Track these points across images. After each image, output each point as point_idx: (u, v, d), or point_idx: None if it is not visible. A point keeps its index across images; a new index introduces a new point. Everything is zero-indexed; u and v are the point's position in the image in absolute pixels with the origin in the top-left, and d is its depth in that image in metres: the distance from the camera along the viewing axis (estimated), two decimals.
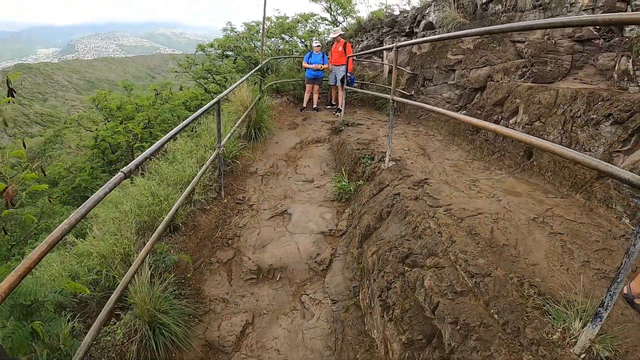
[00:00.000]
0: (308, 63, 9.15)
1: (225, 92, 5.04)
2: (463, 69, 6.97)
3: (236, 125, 6.22)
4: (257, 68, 8.38)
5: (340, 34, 9.22)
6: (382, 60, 11.20)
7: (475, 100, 6.59)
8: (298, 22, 14.51)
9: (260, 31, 12.96)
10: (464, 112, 6.91)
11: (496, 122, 5.63)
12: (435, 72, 7.79)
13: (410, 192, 3.66)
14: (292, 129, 7.97)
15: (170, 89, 13.13)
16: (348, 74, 8.53)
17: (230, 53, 12.95)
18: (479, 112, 6.15)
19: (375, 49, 10.45)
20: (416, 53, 8.89)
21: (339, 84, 8.93)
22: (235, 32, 13.14)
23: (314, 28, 15.36)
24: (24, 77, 78.30)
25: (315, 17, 15.47)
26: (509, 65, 5.80)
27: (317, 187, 5.47)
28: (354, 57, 9.54)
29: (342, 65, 8.68)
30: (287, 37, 13.55)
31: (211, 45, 12.96)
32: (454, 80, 7.38)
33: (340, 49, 8.79)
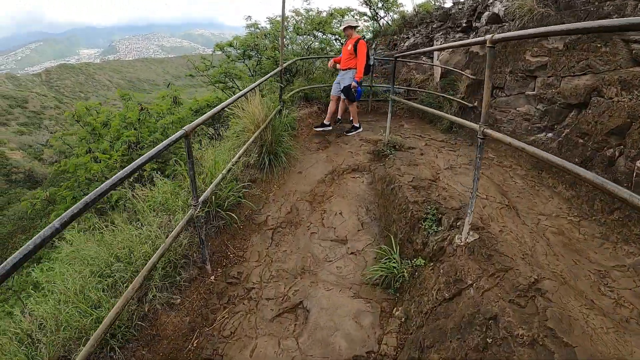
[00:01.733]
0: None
1: (198, 121, 3.18)
2: (550, 76, 5.29)
3: (240, 152, 4.66)
4: (272, 73, 6.28)
5: (352, 26, 6.77)
6: (433, 61, 9.55)
7: (569, 120, 4.92)
8: (332, 17, 13.04)
9: (286, 27, 11.67)
10: (552, 134, 5.25)
11: (611, 160, 3.98)
12: (508, 78, 6.13)
13: (518, 318, 2.20)
14: (323, 149, 6.58)
15: (175, 100, 11.23)
16: (355, 84, 6.52)
17: (253, 53, 11.45)
18: (581, 140, 4.50)
19: (432, 48, 8.82)
20: (478, 53, 7.21)
21: (343, 96, 6.92)
22: (260, 29, 11.73)
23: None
24: (66, 76, 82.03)
25: (352, 12, 13.91)
26: (628, 76, 4.10)
27: (352, 252, 3.90)
28: (400, 58, 8.00)
29: (351, 69, 6.62)
30: (320, 34, 12.08)
31: (230, 44, 11.65)
32: (534, 90, 5.71)
33: (350, 47, 6.52)
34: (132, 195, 3.96)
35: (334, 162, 5.98)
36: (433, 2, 10.20)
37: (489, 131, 2.88)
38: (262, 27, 11.75)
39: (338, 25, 13.31)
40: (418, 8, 10.66)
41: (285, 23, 12.15)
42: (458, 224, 3.36)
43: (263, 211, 4.65)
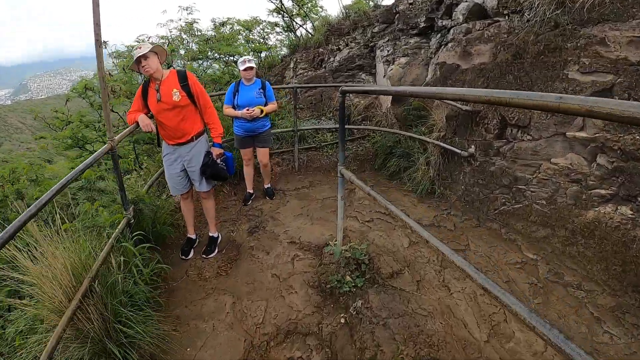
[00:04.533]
0: (234, 106, 4.15)
1: None
2: None
3: None
4: (87, 162, 2.40)
5: (153, 52, 3.00)
6: (377, 79, 6.80)
7: None
8: (235, 32, 9.89)
9: (175, 50, 8.22)
10: (630, 209, 2.62)
11: None
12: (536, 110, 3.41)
13: None
14: (225, 274, 3.35)
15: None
16: (217, 149, 3.32)
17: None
18: None
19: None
20: (459, 66, 4.52)
21: (203, 186, 3.37)
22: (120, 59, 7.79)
23: (261, 40, 10.76)
24: None
25: (262, 24, 10.80)
26: None
27: None
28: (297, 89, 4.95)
29: (196, 135, 3.21)
30: (222, 57, 8.72)
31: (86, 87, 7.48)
32: (583, 129, 3.13)
33: (179, 94, 3.01)
34: None
35: (247, 318, 2.78)
36: (366, 1, 7.56)
37: None
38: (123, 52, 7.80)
39: (245, 43, 10.15)
40: (346, 11, 7.95)
41: (176, 42, 8.67)
42: None
43: None
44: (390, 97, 6.28)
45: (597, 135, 3.21)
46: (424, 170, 4.48)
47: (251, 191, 4.55)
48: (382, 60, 6.42)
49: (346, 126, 5.83)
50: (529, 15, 3.66)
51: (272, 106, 4.21)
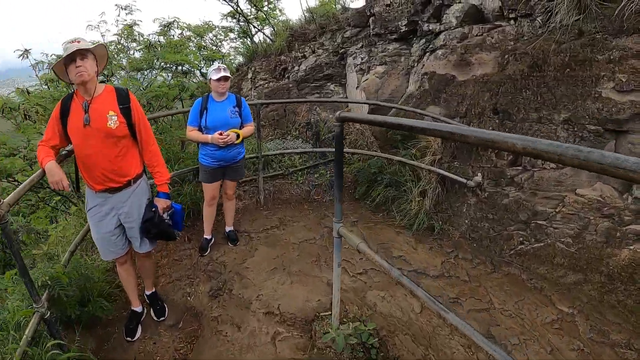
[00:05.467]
0: (201, 128, 3.15)
1: None
2: None
3: None
4: None
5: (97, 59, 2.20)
6: (348, 90, 6.09)
7: None
8: (186, 38, 8.79)
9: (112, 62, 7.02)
10: None
11: None
12: (560, 132, 2.85)
13: None
14: None
15: None
16: (164, 201, 2.42)
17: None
18: None
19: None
20: (455, 77, 3.87)
21: (145, 246, 2.46)
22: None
23: (214, 48, 9.70)
24: None
25: (215, 30, 9.72)
26: None
27: None
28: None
29: (134, 178, 2.29)
30: (166, 65, 7.54)
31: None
32: None
33: (115, 119, 2.12)
34: None
35: None
36: (334, 5, 6.84)
37: None
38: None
39: (195, 51, 9.03)
40: (308, 16, 7.18)
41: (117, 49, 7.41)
42: None
43: None
44: (365, 111, 5.57)
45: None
46: (419, 202, 3.78)
47: (209, 236, 3.60)
48: (354, 69, 5.70)
49: (317, 149, 5.04)
50: (542, 20, 3.05)
51: (249, 128, 3.32)
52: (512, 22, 3.33)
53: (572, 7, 2.81)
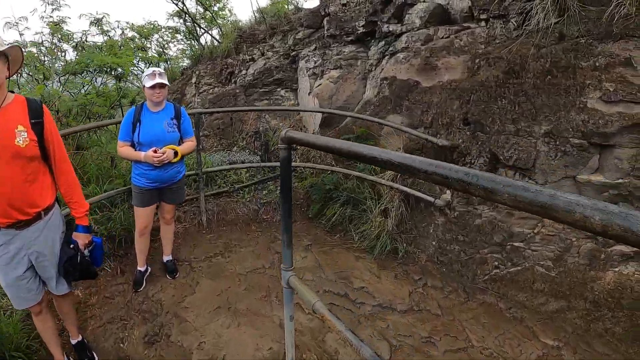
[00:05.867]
0: (134, 143, 2.58)
1: None
2: None
3: None
4: None
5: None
6: (299, 95, 5.61)
7: None
8: (128, 39, 7.88)
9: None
10: None
11: None
12: (540, 146, 2.53)
13: None
14: None
15: None
16: (85, 236, 1.94)
17: None
18: None
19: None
20: (419, 83, 3.49)
21: (62, 287, 1.98)
22: None
23: (160, 49, 8.86)
24: None
25: (161, 31, 8.88)
26: None
27: None
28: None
29: (43, 209, 1.83)
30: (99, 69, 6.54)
31: None
32: (601, 172, 2.31)
33: (25, 137, 1.69)
34: None
35: None
36: (286, 5, 6.36)
37: None
38: None
39: (140, 51, 8.11)
40: (258, 17, 6.66)
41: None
42: None
43: None
44: (318, 119, 5.11)
45: (620, 181, 2.35)
46: (380, 222, 3.33)
47: (143, 268, 2.91)
48: (307, 74, 5.24)
49: (266, 163, 4.49)
50: (517, 22, 2.74)
51: (189, 144, 2.76)
52: (482, 23, 3.02)
53: (552, 8, 2.51)
